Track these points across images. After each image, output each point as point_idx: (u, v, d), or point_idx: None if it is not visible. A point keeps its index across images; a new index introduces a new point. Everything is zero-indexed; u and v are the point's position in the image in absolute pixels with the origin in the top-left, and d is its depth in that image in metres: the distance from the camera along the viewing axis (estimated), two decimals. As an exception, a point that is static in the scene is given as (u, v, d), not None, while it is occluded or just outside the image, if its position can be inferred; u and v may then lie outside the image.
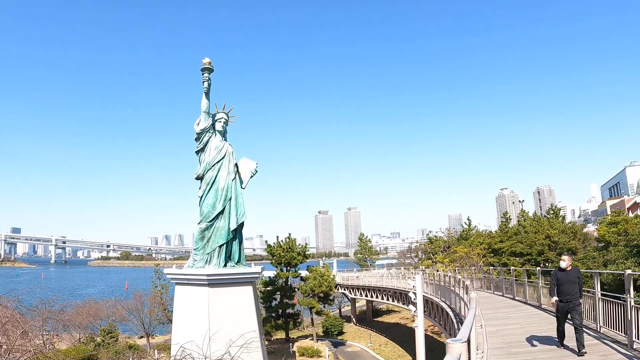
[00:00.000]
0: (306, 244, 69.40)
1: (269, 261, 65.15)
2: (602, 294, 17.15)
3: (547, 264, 51.44)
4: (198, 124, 28.02)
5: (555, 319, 15.12)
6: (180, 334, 25.59)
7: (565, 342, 14.65)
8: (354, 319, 77.15)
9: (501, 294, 32.85)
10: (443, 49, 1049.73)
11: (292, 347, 54.13)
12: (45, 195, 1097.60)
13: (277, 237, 63.18)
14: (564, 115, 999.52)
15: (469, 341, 7.18)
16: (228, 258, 28.07)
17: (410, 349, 50.05)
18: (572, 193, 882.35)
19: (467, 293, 21.01)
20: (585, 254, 44.75)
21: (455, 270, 47.35)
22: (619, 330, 15.32)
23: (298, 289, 64.16)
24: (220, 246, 27.58)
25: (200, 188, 28.36)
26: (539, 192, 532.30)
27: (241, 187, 28.90)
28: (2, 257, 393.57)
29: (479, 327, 13.18)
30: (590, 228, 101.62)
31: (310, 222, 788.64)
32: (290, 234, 63.57)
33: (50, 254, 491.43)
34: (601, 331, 16.44)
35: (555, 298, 14.64)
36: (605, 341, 15.06)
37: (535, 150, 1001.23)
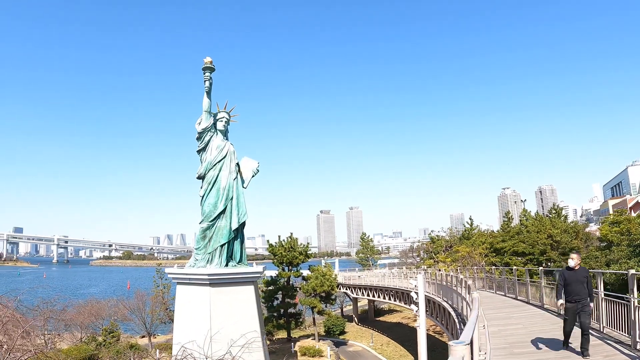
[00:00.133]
0: (308, 243, 69.28)
1: (271, 261, 65.12)
2: (605, 294, 17.06)
3: (549, 264, 51.34)
4: (199, 123, 27.97)
5: (556, 318, 14.98)
6: (181, 334, 25.54)
7: (569, 343, 14.30)
8: (355, 319, 77.09)
9: (503, 293, 32.77)
10: (444, 49, 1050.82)
11: (294, 347, 54.08)
12: (47, 195, 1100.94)
13: (279, 236, 63.05)
14: (566, 115, 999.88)
15: (471, 343, 7.10)
16: (229, 257, 28.01)
17: (412, 349, 49.97)
18: (574, 193, 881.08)
19: (469, 293, 20.91)
20: (587, 253, 44.56)
21: (457, 269, 47.32)
22: (622, 331, 15.23)
23: (300, 289, 64.07)
24: (222, 246, 27.51)
25: (201, 187, 28.30)
26: (541, 191, 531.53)
27: (243, 187, 28.83)
28: (5, 256, 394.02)
29: (481, 327, 13.08)
30: (593, 228, 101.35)
31: (312, 221, 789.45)
32: (292, 234, 63.51)
33: (53, 253, 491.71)
34: (604, 332, 16.35)
35: (562, 301, 14.06)
36: (608, 342, 14.97)
37: (537, 149, 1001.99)
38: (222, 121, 28.90)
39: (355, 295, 74.59)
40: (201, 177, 28.28)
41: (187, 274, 27.50)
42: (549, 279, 26.70)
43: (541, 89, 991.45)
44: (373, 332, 66.20)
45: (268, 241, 66.09)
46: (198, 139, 28.29)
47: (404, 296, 52.34)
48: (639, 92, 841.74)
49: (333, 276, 66.51)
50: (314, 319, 64.01)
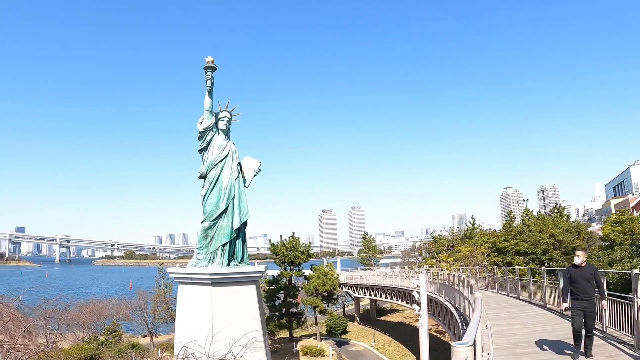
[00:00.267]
0: (310, 242, 69.32)
1: (273, 260, 65.06)
2: (608, 294, 16.97)
3: (551, 263, 51.26)
4: (201, 122, 27.94)
5: (559, 318, 14.81)
6: (183, 333, 25.50)
7: (581, 346, 13.34)
8: (357, 318, 77.07)
9: (505, 293, 32.67)
10: (445, 49, 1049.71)
11: (296, 346, 54.01)
12: (49, 195, 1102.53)
13: (281, 236, 63.00)
14: (568, 114, 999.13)
15: (474, 343, 7.04)
16: (231, 257, 27.98)
17: (414, 348, 49.94)
18: (577, 192, 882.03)
19: (471, 292, 20.85)
20: (590, 253, 44.49)
21: (459, 269, 47.21)
22: (625, 331, 15.14)
23: (302, 288, 64.04)
24: (224, 245, 27.48)
25: (203, 187, 28.26)
26: (543, 191, 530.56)
27: (244, 186, 28.79)
28: (7, 256, 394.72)
29: (484, 327, 13.03)
30: (595, 227, 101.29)
31: (314, 221, 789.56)
32: (293, 233, 63.48)
33: (55, 253, 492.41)
34: (607, 332, 16.25)
35: (566, 305, 13.58)
36: (611, 342, 14.87)
37: (540, 149, 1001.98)
38: (223, 120, 28.85)
39: (357, 295, 74.55)
40: (203, 177, 28.24)
41: (188, 274, 27.47)
42: (551, 279, 26.59)
43: (543, 89, 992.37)
44: (375, 332, 66.14)
45: (270, 240, 66.06)
46: (199, 138, 28.26)
47: (406, 296, 52.27)
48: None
49: (335, 276, 66.44)
50: (315, 318, 63.97)
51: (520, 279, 30.30)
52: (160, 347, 50.68)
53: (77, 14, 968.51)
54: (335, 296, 68.00)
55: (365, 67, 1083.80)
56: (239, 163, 28.82)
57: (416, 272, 51.01)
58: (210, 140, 28.22)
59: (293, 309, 62.26)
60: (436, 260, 71.17)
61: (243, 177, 28.90)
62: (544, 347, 14.77)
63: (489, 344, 14.25)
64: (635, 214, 65.35)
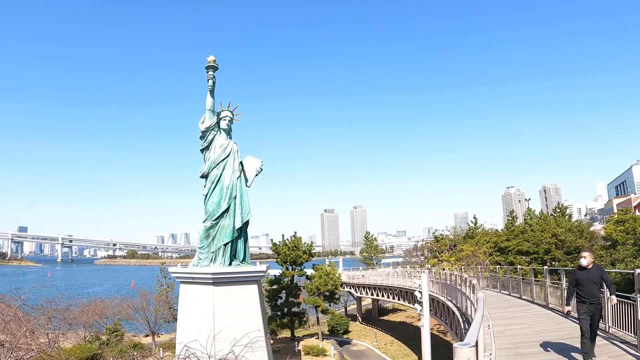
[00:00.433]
0: (312, 242, 69.27)
1: (275, 260, 65.00)
2: (608, 293, 16.90)
3: (553, 263, 51.15)
4: (203, 122, 27.95)
5: (561, 317, 14.70)
6: (184, 333, 25.51)
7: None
8: (359, 318, 77.00)
9: (507, 292, 32.62)
10: (445, 49, 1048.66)
11: (298, 346, 54.00)
12: (51, 195, 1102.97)
13: (283, 235, 62.97)
14: (570, 114, 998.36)
15: (476, 344, 7.00)
16: (233, 257, 27.99)
17: (416, 348, 49.85)
18: (579, 191, 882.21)
19: (473, 292, 20.80)
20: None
21: (461, 269, 47.16)
22: (628, 331, 15.07)
23: (304, 288, 64.02)
24: (225, 245, 27.49)
25: (205, 186, 28.28)
26: (545, 190, 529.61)
27: (246, 186, 28.80)
28: (9, 255, 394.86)
29: (486, 327, 12.96)
30: (597, 227, 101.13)
31: (316, 220, 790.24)
32: (295, 232, 63.43)
33: (57, 252, 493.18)
34: (610, 331, 16.19)
35: (568, 308, 13.31)
36: (614, 342, 14.82)
37: (542, 148, 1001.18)
38: (225, 120, 28.86)
39: (359, 295, 74.48)
40: (204, 176, 28.26)
41: (190, 273, 27.49)
42: (554, 278, 26.52)
43: (543, 89, 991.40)
44: (377, 331, 66.04)
45: (272, 240, 65.96)
46: (201, 137, 28.26)
47: (408, 295, 52.20)
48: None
49: (337, 275, 66.43)
50: (317, 318, 63.91)
51: (522, 279, 30.24)
52: (162, 346, 50.68)
53: (77, 13, 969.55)
54: (337, 296, 67.99)
55: (365, 67, 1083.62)
56: (241, 162, 28.83)
57: (418, 271, 50.93)
58: (212, 139, 28.23)
59: (295, 309, 62.23)
60: (438, 260, 71.08)
61: (245, 176, 28.90)
62: (547, 347, 14.71)
63: (491, 344, 14.19)
64: (638, 213, 65.21)
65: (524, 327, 18.91)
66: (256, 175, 29.49)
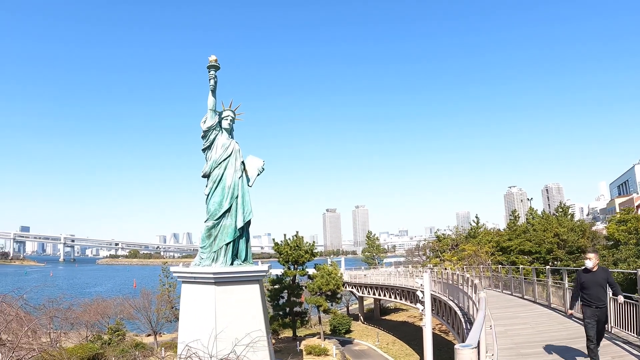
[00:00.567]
0: (314, 242, 68.97)
1: (277, 259, 64.99)
2: (613, 294, 16.85)
3: (556, 262, 51.07)
4: (204, 121, 27.95)
5: (563, 317, 14.66)
6: (186, 333, 25.51)
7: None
8: (361, 318, 76.95)
9: (509, 292, 32.56)
10: (447, 48, 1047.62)
11: (300, 346, 53.99)
12: (54, 194, 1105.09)
13: (285, 235, 63.05)
14: (572, 113, 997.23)
15: (478, 345, 6.97)
16: (235, 256, 27.98)
17: (418, 348, 49.82)
18: (581, 191, 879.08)
19: (475, 292, 20.76)
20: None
21: (463, 268, 47.09)
22: (631, 331, 15.01)
23: (305, 287, 63.99)
24: (227, 244, 27.49)
25: (207, 186, 28.27)
26: (547, 190, 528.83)
27: (248, 185, 28.79)
28: (12, 255, 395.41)
29: (488, 327, 12.91)
30: (599, 226, 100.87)
31: (318, 220, 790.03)
32: (297, 232, 63.45)
33: (59, 252, 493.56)
34: (612, 332, 16.13)
35: (572, 312, 13.14)
36: (616, 342, 14.76)
37: (544, 148, 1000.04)
38: (227, 119, 28.86)
39: (361, 294, 74.41)
40: (206, 176, 28.25)
41: (192, 273, 27.48)
42: (556, 278, 26.47)
43: (544, 89, 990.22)
44: (379, 331, 66.02)
45: (274, 240, 65.96)
46: (203, 137, 28.26)
47: (410, 295, 52.16)
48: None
49: (339, 275, 66.38)
50: (319, 317, 63.91)
51: (524, 279, 30.18)
52: (164, 346, 50.72)
53: (78, 13, 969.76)
54: (339, 295, 67.93)
55: (365, 67, 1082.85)
56: (243, 162, 28.82)
57: (420, 271, 50.87)
58: (214, 139, 28.23)
59: (297, 308, 62.23)
60: (440, 260, 71.00)
61: (247, 176, 28.88)
62: (549, 347, 14.64)
63: (493, 344, 14.14)
64: (640, 213, 65.05)
65: (526, 327, 18.86)
66: (258, 174, 29.48)
